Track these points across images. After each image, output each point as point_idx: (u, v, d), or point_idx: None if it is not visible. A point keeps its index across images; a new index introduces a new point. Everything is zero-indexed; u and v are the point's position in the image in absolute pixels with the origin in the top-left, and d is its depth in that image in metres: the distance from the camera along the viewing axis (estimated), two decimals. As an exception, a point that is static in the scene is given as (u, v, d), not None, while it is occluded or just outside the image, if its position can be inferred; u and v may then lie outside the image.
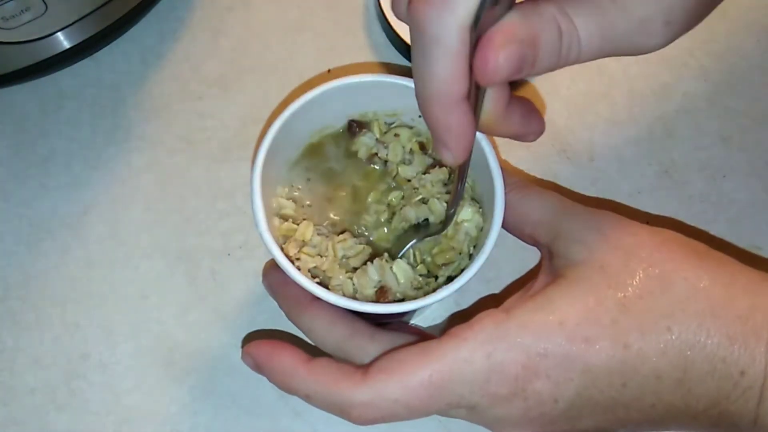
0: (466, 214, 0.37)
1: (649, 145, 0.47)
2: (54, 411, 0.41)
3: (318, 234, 0.37)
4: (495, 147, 0.36)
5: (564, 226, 0.34)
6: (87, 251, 0.44)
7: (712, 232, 0.45)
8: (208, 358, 0.42)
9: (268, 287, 0.39)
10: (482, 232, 0.37)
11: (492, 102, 0.31)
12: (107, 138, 0.47)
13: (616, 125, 0.48)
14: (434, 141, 0.31)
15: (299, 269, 0.34)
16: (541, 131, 0.34)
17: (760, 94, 0.49)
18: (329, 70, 0.49)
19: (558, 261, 0.34)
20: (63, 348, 0.42)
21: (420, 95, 0.30)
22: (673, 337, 0.30)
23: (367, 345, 0.34)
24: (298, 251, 0.36)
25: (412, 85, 0.36)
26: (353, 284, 0.36)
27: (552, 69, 0.29)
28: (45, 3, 0.42)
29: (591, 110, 0.48)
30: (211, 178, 0.46)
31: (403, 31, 0.47)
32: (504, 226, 0.35)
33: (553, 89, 0.48)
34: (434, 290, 0.34)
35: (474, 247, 0.37)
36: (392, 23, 0.48)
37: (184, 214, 0.45)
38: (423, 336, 0.34)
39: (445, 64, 0.28)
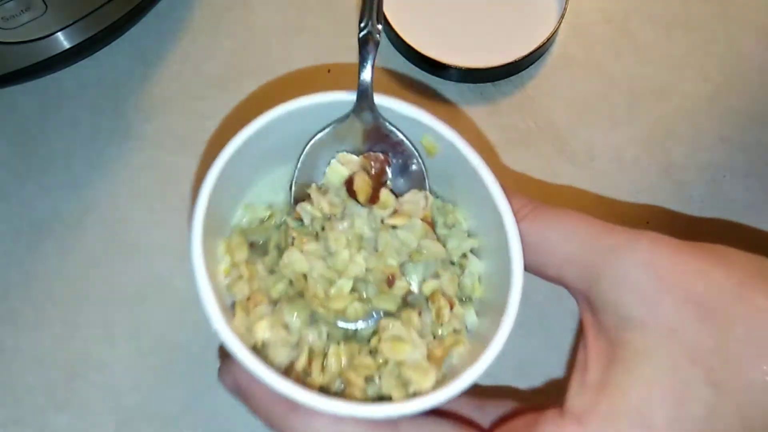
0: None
1: (649, 145, 0.47)
2: (54, 411, 0.41)
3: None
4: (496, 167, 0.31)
5: (603, 265, 0.26)
6: (87, 251, 0.44)
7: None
8: (208, 358, 0.42)
9: (233, 388, 0.29)
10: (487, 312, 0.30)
11: None
12: (107, 138, 0.47)
13: (616, 125, 0.48)
14: None
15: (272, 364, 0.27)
16: None
17: (760, 94, 0.49)
18: (329, 71, 0.49)
19: (607, 318, 0.26)
20: (63, 348, 0.42)
21: None
22: None
23: None
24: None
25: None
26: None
27: None
28: (45, 3, 0.42)
29: (591, 110, 0.48)
30: (211, 178, 0.46)
31: (403, 31, 0.47)
32: None
33: (553, 89, 0.48)
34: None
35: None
36: (393, 24, 0.48)
37: (184, 214, 0.45)
38: (450, 417, 0.29)
39: None
